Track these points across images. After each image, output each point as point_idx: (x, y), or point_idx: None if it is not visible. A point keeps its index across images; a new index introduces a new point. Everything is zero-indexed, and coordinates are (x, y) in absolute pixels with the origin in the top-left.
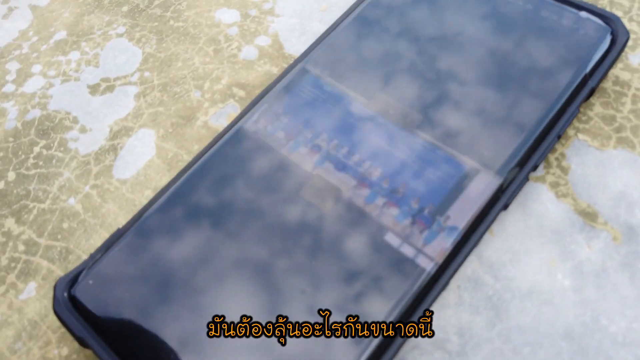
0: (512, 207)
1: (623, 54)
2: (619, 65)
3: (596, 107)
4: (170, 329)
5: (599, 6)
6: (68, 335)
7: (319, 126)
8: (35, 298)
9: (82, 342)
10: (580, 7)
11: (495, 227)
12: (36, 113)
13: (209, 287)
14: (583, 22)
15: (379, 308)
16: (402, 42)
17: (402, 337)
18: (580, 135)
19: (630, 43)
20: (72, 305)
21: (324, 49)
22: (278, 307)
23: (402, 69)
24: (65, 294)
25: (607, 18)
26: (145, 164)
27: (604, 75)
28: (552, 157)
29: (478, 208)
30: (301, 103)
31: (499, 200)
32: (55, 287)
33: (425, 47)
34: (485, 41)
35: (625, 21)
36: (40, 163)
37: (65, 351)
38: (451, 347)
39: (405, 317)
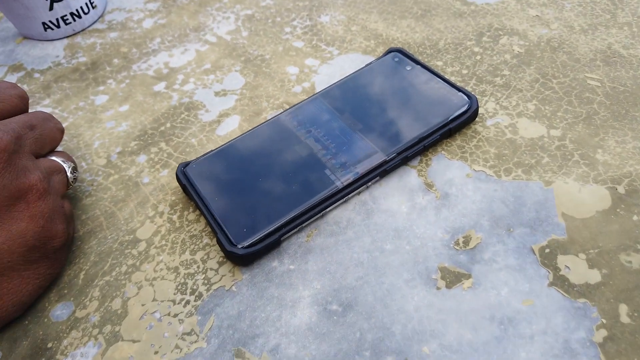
0: (394, 176)
1: (484, 117)
2: (479, 123)
3: (457, 141)
4: (227, 193)
5: (477, 90)
6: (176, 192)
7: (314, 122)
8: (166, 176)
9: (185, 189)
10: (457, 88)
11: (383, 182)
12: (186, 100)
13: (256, 175)
14: (457, 95)
15: (314, 196)
16: (362, 93)
17: (321, 212)
18: (443, 152)
19: (491, 114)
20: (183, 174)
21: (326, 90)
22: (287, 186)
23: (359, 105)
24: (182, 168)
25: (469, 95)
26: (232, 130)
27: (462, 125)
28: (424, 159)
29: (370, 167)
30: (310, 111)
31: (382, 167)
32: (178, 165)
33: (374, 96)
34: (402, 96)
35: (494, 104)
36: (183, 122)
37: (173, 197)
38: (341, 225)
39: (323, 205)
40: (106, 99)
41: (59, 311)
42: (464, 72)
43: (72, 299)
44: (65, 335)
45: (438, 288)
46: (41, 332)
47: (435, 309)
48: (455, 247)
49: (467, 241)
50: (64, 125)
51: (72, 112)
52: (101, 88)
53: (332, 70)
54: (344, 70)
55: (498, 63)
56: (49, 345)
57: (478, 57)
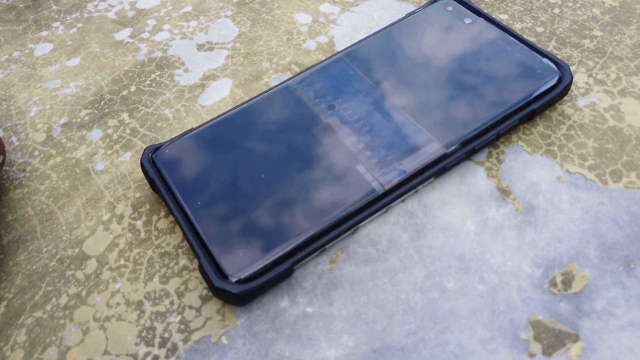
0: (453, 175)
1: (573, 95)
2: (568, 103)
3: (539, 127)
4: (215, 196)
5: (559, 56)
6: (142, 186)
7: (337, 93)
8: (128, 161)
9: (152, 184)
10: (541, 52)
11: (437, 184)
12: (158, 54)
13: (258, 170)
14: (542, 63)
15: (341, 205)
16: (406, 55)
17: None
18: (520, 142)
19: (582, 91)
20: (151, 163)
21: (354, 48)
22: (302, 188)
23: (402, 71)
24: (150, 155)
25: (559, 65)
26: (220, 100)
27: (548, 105)
28: (494, 152)
29: (422, 163)
30: (331, 78)
31: (439, 164)
32: (145, 149)
33: (423, 59)
34: (463, 61)
35: (584, 76)
36: (153, 85)
37: (137, 194)
38: (380, 247)
39: (355, 219)
40: (50, 48)
41: None
42: (539, 30)
43: None
44: None
45: (532, 355)
46: None
47: None
48: (552, 289)
49: (567, 280)
50: None
51: (1, 66)
52: (44, 33)
53: (357, 20)
54: (373, 22)
55: (584, 20)
56: None
57: (557, 11)
